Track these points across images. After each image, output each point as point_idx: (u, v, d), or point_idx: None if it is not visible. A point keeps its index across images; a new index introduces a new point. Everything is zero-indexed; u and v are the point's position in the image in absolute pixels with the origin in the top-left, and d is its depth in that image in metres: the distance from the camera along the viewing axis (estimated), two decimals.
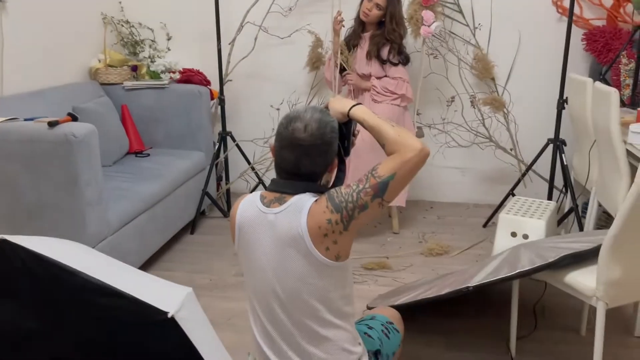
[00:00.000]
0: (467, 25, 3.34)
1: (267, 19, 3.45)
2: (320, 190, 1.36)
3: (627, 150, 2.25)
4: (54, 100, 2.85)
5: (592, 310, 1.86)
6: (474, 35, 3.35)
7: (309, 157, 1.32)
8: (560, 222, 3.01)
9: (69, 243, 1.10)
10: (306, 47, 3.38)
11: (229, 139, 3.49)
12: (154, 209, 2.73)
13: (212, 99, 3.51)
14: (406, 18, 3.08)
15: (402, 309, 1.82)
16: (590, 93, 2.53)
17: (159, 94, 3.36)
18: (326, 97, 3.58)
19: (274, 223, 1.34)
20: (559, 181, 3.15)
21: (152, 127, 3.37)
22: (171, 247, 3.03)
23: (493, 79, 3.39)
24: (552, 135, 3.09)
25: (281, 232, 1.33)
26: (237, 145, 3.52)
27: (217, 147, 3.43)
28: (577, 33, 3.18)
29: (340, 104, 1.43)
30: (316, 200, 1.32)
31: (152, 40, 3.62)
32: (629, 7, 3.15)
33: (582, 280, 1.68)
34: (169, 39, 3.66)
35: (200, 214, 3.37)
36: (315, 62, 3.39)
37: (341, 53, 3.10)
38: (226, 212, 3.49)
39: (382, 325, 1.59)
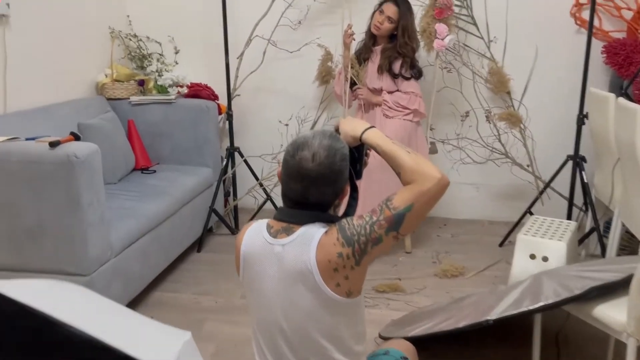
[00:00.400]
0: (482, 38, 3.24)
1: (276, 33, 3.38)
2: (330, 219, 1.26)
3: None
4: (59, 116, 2.78)
5: (619, 342, 1.75)
6: (489, 48, 3.25)
7: (317, 187, 1.23)
8: (580, 241, 2.89)
9: (56, 284, 1.01)
10: (316, 61, 3.31)
11: (236, 154, 3.42)
12: (159, 228, 2.65)
13: (220, 113, 3.44)
14: (419, 31, 3.00)
15: (417, 340, 1.72)
16: (612, 109, 2.43)
17: (166, 108, 3.29)
18: (336, 111, 3.50)
19: (281, 255, 1.25)
20: (577, 199, 3.04)
21: (158, 143, 3.31)
22: (177, 266, 2.94)
23: (509, 93, 3.29)
24: (570, 152, 2.98)
25: (288, 266, 1.24)
26: (245, 161, 3.44)
27: (224, 162, 3.36)
28: (596, 46, 3.06)
29: (351, 127, 1.34)
30: (326, 232, 1.23)
31: (160, 54, 3.57)
32: None
33: (611, 314, 1.57)
34: (176, 53, 3.60)
35: (208, 231, 3.29)
36: (325, 76, 3.31)
37: (351, 67, 3.02)
38: (234, 230, 3.41)
39: None
